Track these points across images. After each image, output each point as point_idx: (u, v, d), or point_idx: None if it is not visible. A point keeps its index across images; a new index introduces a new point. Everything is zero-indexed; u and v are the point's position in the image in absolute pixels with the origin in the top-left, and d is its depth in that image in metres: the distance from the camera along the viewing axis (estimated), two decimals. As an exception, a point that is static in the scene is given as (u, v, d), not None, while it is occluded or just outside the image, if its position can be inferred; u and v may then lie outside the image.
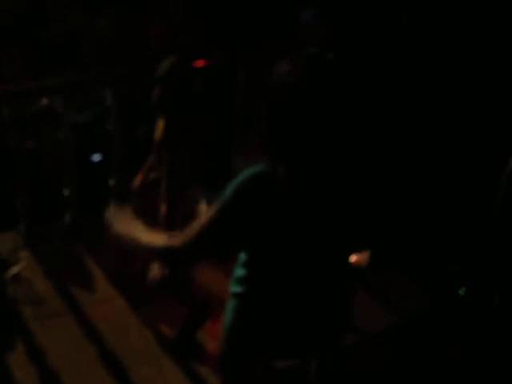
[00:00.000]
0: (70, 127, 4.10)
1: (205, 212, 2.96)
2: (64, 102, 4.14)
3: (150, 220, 3.17)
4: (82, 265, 3.79)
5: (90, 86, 4.25)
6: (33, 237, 3.97)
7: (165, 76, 2.94)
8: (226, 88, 4.37)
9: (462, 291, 3.23)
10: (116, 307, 3.49)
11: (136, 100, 3.87)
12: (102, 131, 4.29)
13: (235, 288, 2.00)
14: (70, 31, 4.76)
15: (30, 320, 3.35)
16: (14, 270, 3.68)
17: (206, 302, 3.15)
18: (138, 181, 3.36)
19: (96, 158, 4.56)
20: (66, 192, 4.11)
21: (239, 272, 1.97)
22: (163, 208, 2.92)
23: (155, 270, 3.03)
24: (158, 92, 2.98)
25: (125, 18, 4.75)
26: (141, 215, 3.31)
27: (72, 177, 4.10)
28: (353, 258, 2.09)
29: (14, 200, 3.94)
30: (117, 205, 3.50)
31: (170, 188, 2.90)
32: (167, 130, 2.94)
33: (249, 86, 4.28)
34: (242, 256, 1.94)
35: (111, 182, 4.15)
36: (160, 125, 2.99)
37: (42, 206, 4.08)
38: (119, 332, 3.31)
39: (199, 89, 3.09)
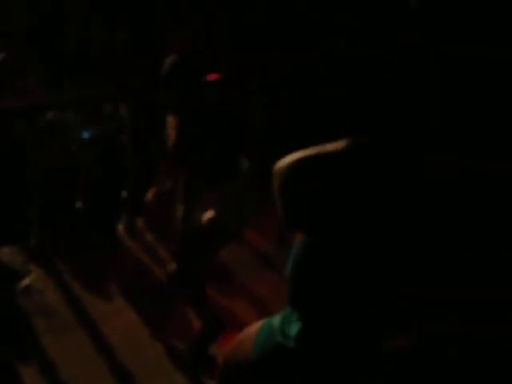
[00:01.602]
0: (84, 140, 4.12)
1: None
2: (77, 116, 4.17)
3: (164, 231, 3.18)
4: (94, 277, 3.78)
5: (105, 100, 4.28)
6: (45, 249, 3.97)
7: (168, 75, 2.94)
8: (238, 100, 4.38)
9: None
10: (127, 320, 3.46)
11: (150, 113, 3.89)
12: (116, 144, 4.31)
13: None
14: (87, 44, 4.79)
15: (42, 332, 3.33)
16: (26, 281, 3.67)
17: (218, 317, 3.13)
18: (151, 193, 3.37)
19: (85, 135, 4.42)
20: (79, 204, 4.13)
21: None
22: (179, 211, 2.92)
23: (172, 266, 3.02)
24: (164, 93, 2.99)
25: (142, 30, 4.79)
26: (154, 227, 3.33)
27: (85, 189, 4.11)
28: None
29: (27, 212, 3.95)
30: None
31: (187, 193, 2.91)
32: (181, 136, 2.94)
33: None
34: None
35: (124, 195, 4.15)
36: (171, 132, 2.99)
37: (55, 218, 4.09)
38: (131, 345, 3.28)
39: (213, 100, 3.11)
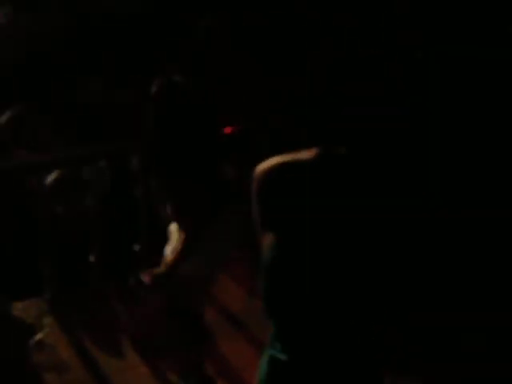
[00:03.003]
0: (96, 194, 4.16)
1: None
2: (90, 170, 4.23)
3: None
4: (107, 331, 3.76)
5: (116, 154, 4.34)
6: (58, 303, 3.97)
7: (154, 95, 2.92)
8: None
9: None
10: (140, 375, 3.44)
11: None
12: (129, 198, 4.35)
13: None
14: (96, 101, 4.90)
15: (54, 388, 3.31)
16: (39, 336, 3.66)
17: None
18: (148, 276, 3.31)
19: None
20: (92, 258, 4.14)
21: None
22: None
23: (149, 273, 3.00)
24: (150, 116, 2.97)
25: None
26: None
27: (98, 243, 4.13)
28: None
29: (40, 266, 3.97)
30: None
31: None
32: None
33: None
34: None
35: (137, 248, 4.17)
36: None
37: (68, 272, 4.10)
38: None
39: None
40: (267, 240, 1.81)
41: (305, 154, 1.76)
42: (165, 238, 3.40)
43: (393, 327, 1.84)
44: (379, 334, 1.84)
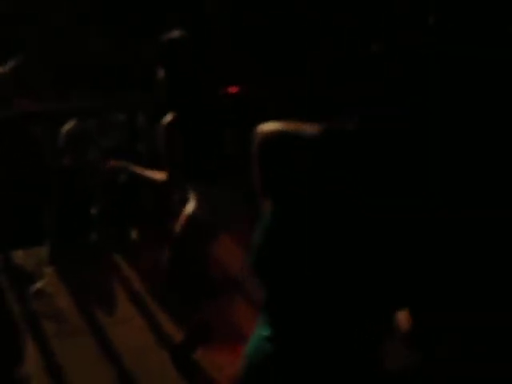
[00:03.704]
0: (100, 148, 4.17)
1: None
2: (95, 124, 4.23)
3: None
4: (105, 283, 3.81)
5: (123, 108, 4.33)
6: (58, 253, 4.02)
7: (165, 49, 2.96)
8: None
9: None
10: (135, 327, 3.50)
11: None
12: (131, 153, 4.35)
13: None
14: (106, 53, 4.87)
15: (50, 336, 3.37)
16: (38, 285, 3.72)
17: (208, 323, 3.17)
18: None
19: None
20: (94, 211, 4.17)
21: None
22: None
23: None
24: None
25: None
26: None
27: (100, 196, 4.16)
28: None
29: (41, 216, 4.01)
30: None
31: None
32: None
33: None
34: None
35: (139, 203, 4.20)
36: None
37: (69, 224, 4.14)
38: (137, 353, 3.31)
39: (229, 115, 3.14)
40: (267, 205, 1.77)
41: (309, 127, 1.70)
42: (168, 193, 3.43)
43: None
44: (378, 333, 1.74)
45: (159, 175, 3.03)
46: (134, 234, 4.30)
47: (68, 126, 4.18)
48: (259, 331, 1.84)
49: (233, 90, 4.15)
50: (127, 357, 3.27)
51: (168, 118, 2.92)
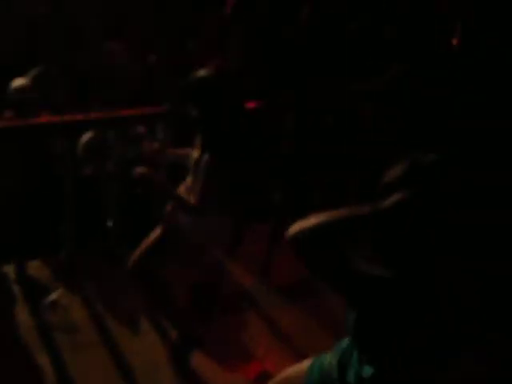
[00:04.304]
0: (119, 160, 4.16)
1: None
2: (115, 135, 4.22)
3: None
4: (121, 295, 3.77)
5: (141, 120, 4.32)
6: (74, 264, 4.00)
7: (195, 90, 2.85)
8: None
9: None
10: (150, 341, 3.46)
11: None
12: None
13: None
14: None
15: (63, 348, 3.34)
16: (53, 296, 3.69)
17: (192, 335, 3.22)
18: None
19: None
20: (110, 222, 4.15)
21: None
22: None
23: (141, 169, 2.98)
24: (194, 110, 2.90)
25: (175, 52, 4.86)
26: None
27: (117, 208, 4.14)
28: None
29: (57, 226, 3.99)
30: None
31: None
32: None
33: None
34: None
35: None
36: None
37: (85, 234, 4.12)
38: (151, 367, 3.27)
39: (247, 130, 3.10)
40: None
41: (355, 210, 1.60)
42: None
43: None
44: None
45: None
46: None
47: (87, 137, 4.18)
48: (328, 361, 1.82)
49: (250, 104, 4.12)
50: (141, 371, 3.24)
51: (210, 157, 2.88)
